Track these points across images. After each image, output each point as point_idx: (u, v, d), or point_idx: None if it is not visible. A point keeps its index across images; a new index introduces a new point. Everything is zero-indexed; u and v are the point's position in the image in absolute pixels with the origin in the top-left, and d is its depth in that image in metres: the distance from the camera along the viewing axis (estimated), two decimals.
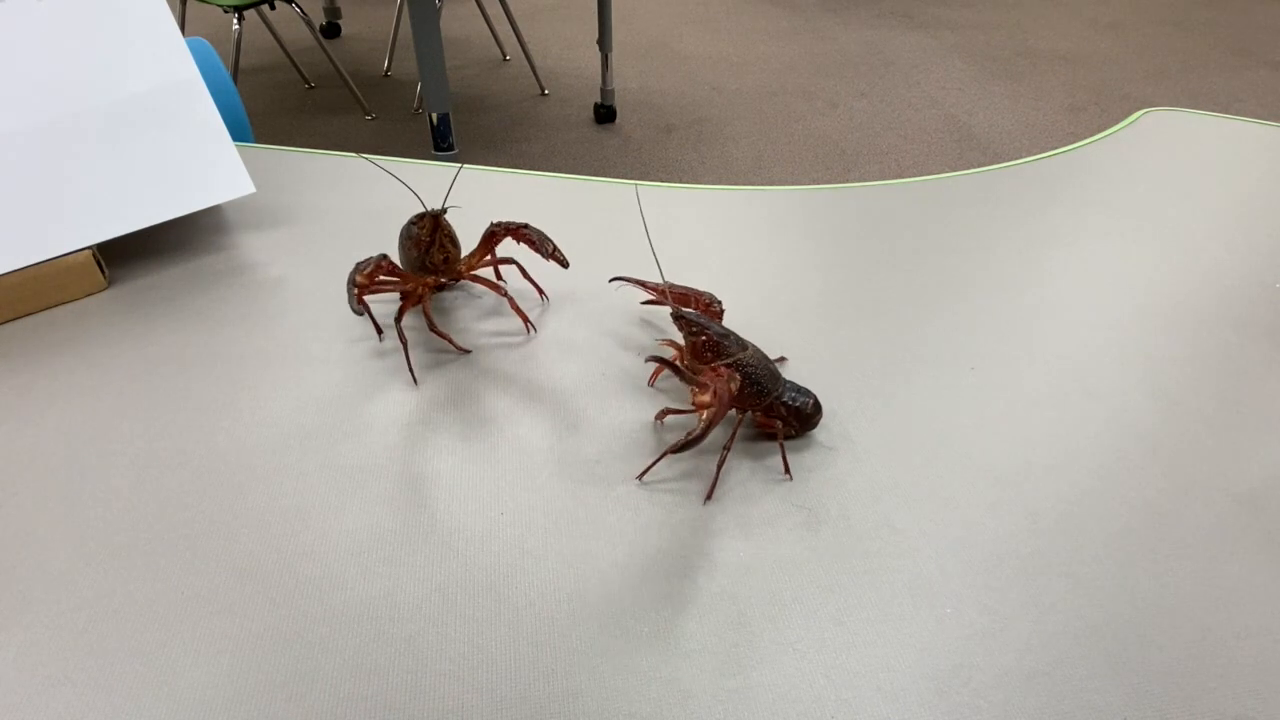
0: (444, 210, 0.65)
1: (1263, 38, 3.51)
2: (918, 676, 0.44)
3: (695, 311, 0.59)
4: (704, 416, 0.49)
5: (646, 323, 0.69)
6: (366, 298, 0.67)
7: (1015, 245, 0.79)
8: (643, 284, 0.68)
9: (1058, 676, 0.44)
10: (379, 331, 0.67)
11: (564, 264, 0.66)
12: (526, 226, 0.66)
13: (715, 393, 0.50)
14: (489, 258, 0.70)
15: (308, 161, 0.92)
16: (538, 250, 0.65)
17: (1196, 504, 0.54)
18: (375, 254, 0.63)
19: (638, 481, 0.55)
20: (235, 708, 0.42)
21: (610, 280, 0.69)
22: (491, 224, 0.67)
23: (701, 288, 0.65)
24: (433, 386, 0.62)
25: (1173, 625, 0.46)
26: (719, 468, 0.54)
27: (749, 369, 0.54)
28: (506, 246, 0.74)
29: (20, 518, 0.52)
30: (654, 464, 0.54)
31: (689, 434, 0.48)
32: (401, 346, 0.63)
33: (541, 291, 0.71)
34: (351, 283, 0.62)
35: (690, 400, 0.50)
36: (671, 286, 0.65)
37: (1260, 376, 0.64)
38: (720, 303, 0.64)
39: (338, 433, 0.58)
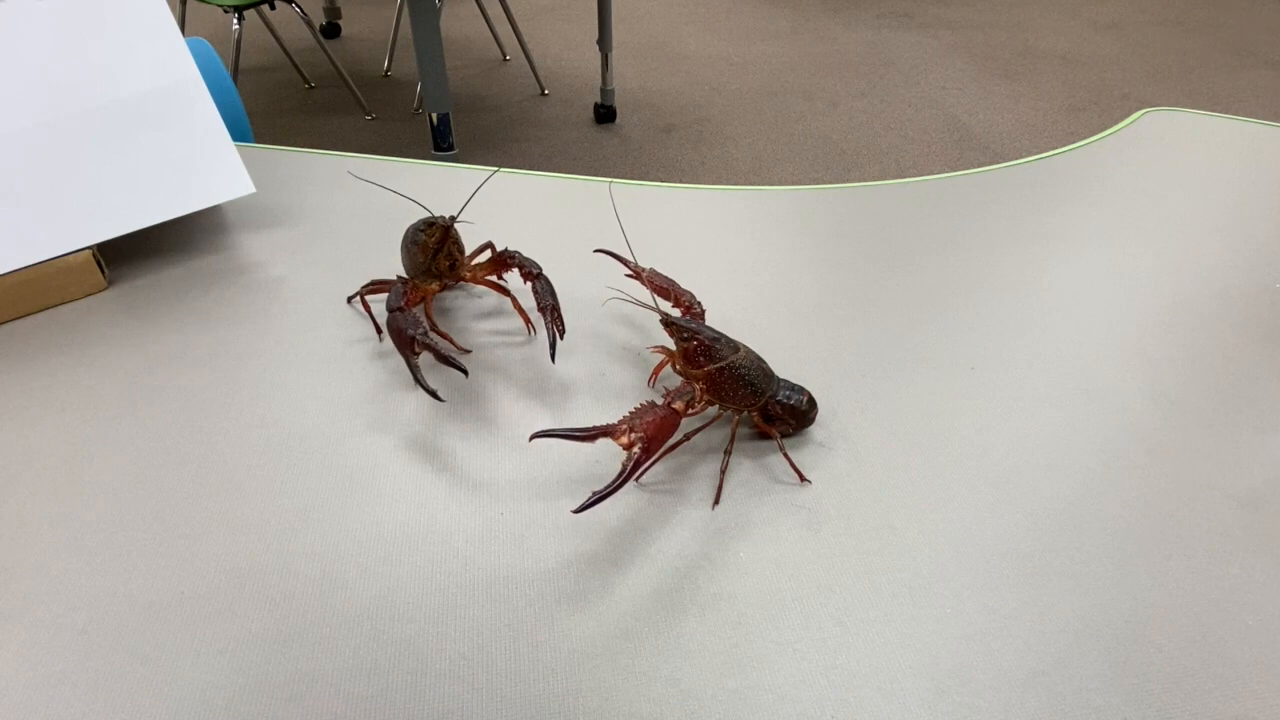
0: (454, 220, 0.65)
1: (1263, 38, 3.51)
2: (918, 676, 0.44)
3: (685, 317, 0.59)
4: (624, 460, 0.48)
5: (645, 325, 0.69)
6: (370, 298, 0.68)
7: (1015, 245, 0.79)
8: (625, 261, 0.67)
9: (1058, 676, 0.44)
10: (379, 331, 0.67)
11: (560, 330, 0.62)
12: (540, 275, 0.64)
13: (635, 430, 0.49)
14: (491, 263, 0.69)
15: (308, 161, 0.92)
16: (538, 304, 0.63)
17: (1196, 504, 0.54)
18: (373, 271, 0.63)
19: (636, 482, 0.55)
20: (235, 708, 0.42)
21: (595, 251, 0.69)
22: (508, 250, 0.67)
23: (699, 287, 0.65)
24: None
25: (1173, 625, 0.46)
26: (723, 472, 0.54)
27: (742, 370, 0.54)
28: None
29: (20, 518, 0.52)
30: (590, 503, 0.48)
31: (606, 486, 0.48)
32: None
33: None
34: (410, 349, 0.57)
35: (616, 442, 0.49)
36: (654, 274, 0.65)
37: (1260, 377, 0.64)
38: (701, 304, 0.64)
39: (338, 433, 0.58)
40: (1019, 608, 0.47)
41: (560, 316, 0.63)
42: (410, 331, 0.57)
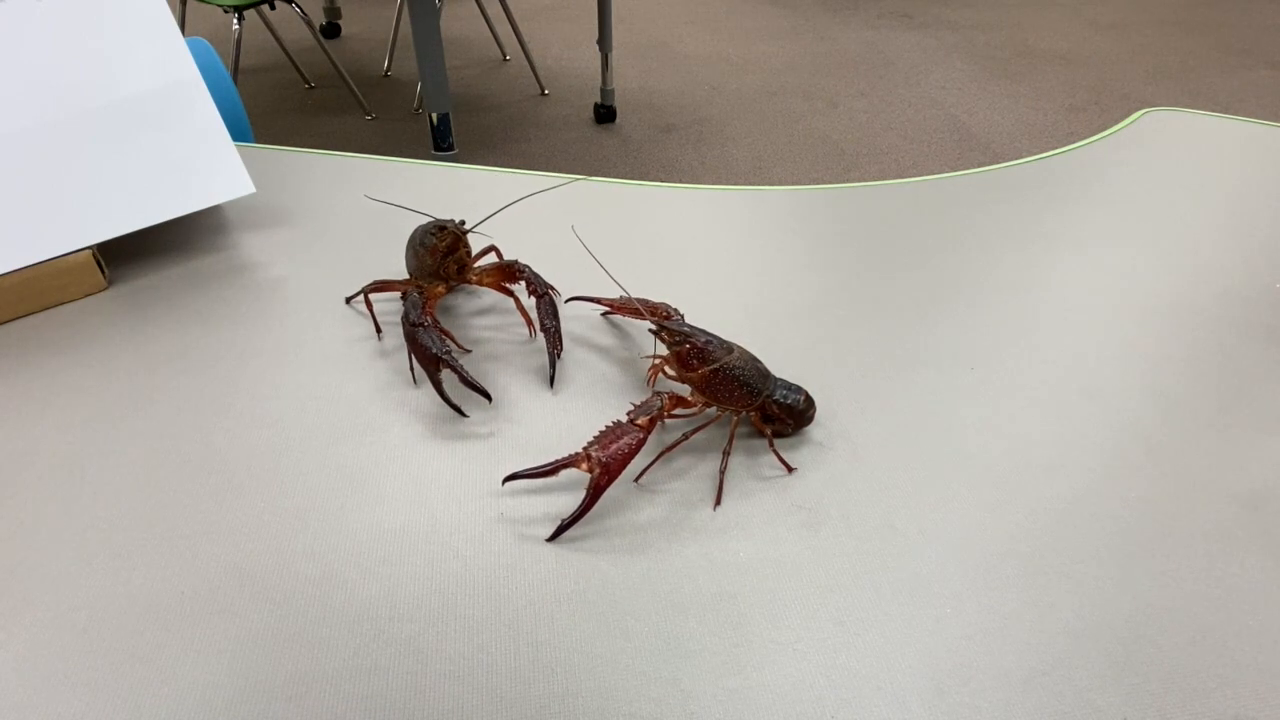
0: (468, 231, 0.65)
1: (1263, 38, 3.51)
2: (918, 676, 0.44)
3: (677, 321, 0.59)
4: (587, 485, 0.50)
5: (644, 326, 0.69)
6: (372, 297, 0.68)
7: (1015, 245, 0.79)
8: (599, 300, 0.68)
9: (1058, 676, 0.44)
10: (379, 331, 0.67)
11: (558, 350, 0.63)
12: (545, 294, 0.65)
13: (593, 460, 0.50)
14: (498, 270, 0.68)
15: (308, 161, 0.92)
16: (540, 323, 0.64)
17: (1196, 504, 0.54)
18: (373, 271, 0.62)
19: (636, 483, 0.55)
20: (235, 708, 0.42)
21: (567, 300, 0.69)
22: (518, 263, 0.67)
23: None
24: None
25: (1173, 625, 0.46)
26: (722, 472, 0.54)
27: (737, 371, 0.54)
28: (511, 253, 0.74)
29: (20, 518, 0.52)
30: (560, 530, 0.51)
31: (572, 513, 0.50)
32: (407, 349, 0.63)
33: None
34: (434, 367, 0.58)
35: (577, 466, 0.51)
36: (627, 300, 0.65)
37: (1260, 376, 0.64)
38: (679, 311, 0.64)
39: (338, 433, 0.58)
40: (1019, 608, 0.47)
41: (560, 338, 0.63)
42: (435, 350, 0.58)
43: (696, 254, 0.77)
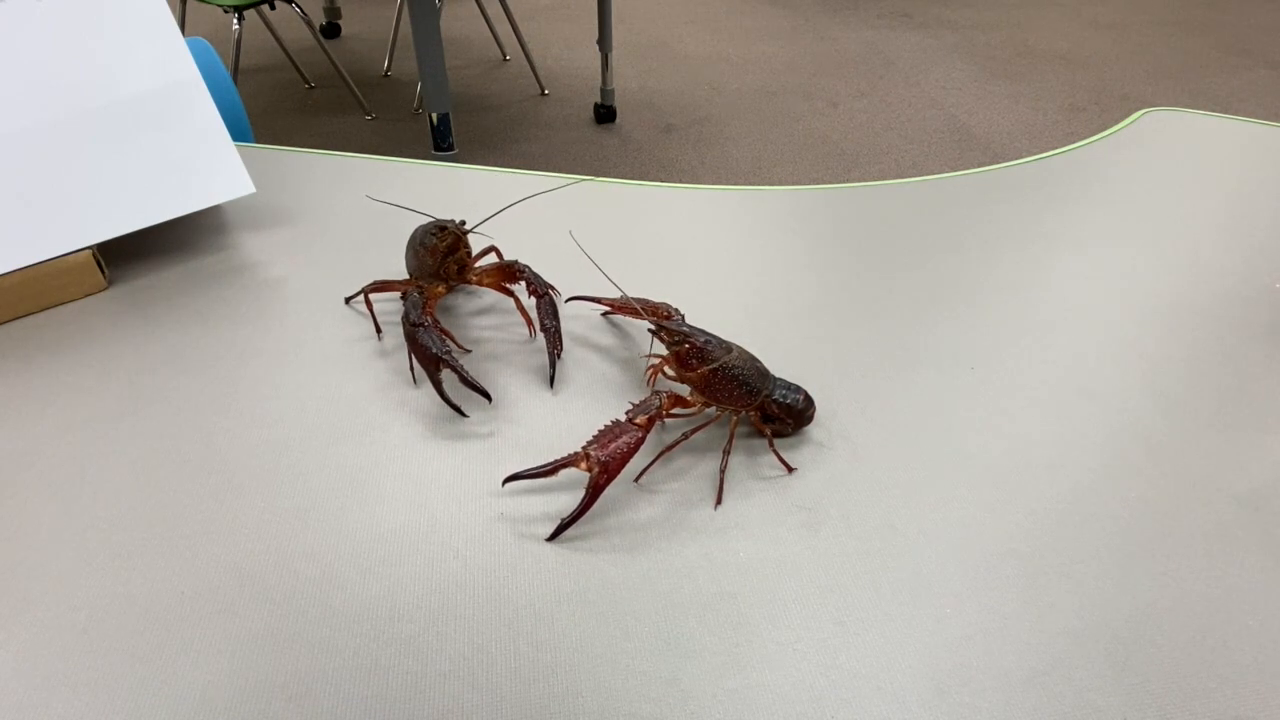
0: (469, 231, 0.65)
1: (1263, 38, 3.51)
2: (918, 676, 0.44)
3: (675, 321, 0.59)
4: (587, 485, 0.50)
5: (643, 325, 0.69)
6: (372, 297, 0.68)
7: (1015, 245, 0.79)
8: (599, 300, 0.68)
9: (1058, 676, 0.44)
10: (379, 331, 0.67)
11: (558, 350, 0.63)
12: (546, 295, 0.65)
13: (591, 459, 0.50)
14: (499, 270, 0.68)
15: (308, 161, 0.92)
16: (541, 323, 0.64)
17: (1196, 504, 0.54)
18: (373, 271, 0.62)
19: (636, 483, 0.55)
20: (235, 708, 0.42)
21: (567, 300, 0.69)
22: (518, 263, 0.67)
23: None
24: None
25: (1173, 625, 0.46)
26: (722, 472, 0.54)
27: (736, 370, 0.54)
28: (511, 253, 0.75)
29: (20, 518, 0.52)
30: (559, 530, 0.51)
31: (572, 512, 0.51)
32: (407, 349, 0.63)
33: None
34: (434, 367, 0.58)
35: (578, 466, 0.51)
36: (627, 299, 0.65)
37: (1260, 376, 0.64)
38: (680, 311, 0.64)
39: (338, 433, 0.58)
40: (1019, 608, 0.47)
41: (560, 338, 0.63)
42: (435, 350, 0.58)
43: (696, 254, 0.77)
